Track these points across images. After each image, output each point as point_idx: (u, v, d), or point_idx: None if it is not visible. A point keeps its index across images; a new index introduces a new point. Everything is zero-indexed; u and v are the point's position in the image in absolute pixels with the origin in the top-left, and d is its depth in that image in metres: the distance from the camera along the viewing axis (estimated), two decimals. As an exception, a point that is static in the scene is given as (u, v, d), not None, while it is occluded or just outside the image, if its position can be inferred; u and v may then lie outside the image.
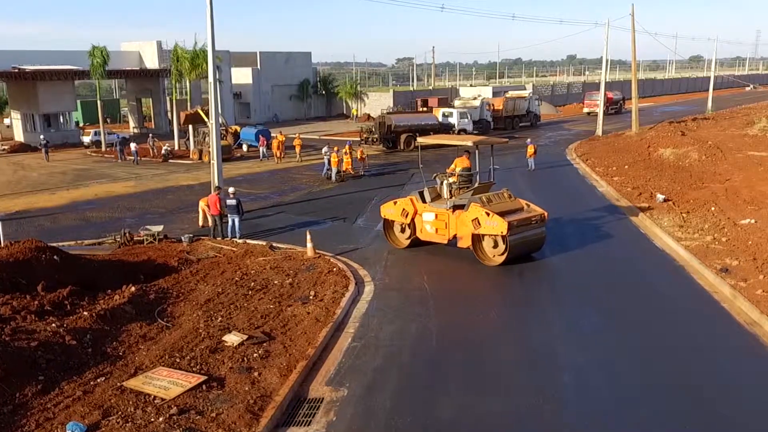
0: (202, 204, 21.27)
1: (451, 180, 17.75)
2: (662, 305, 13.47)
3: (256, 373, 9.97)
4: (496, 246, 16.10)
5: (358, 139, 41.25)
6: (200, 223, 21.33)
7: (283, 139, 36.77)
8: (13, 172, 34.94)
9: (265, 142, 38.29)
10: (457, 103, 52.22)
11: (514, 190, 18.10)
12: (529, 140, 33.37)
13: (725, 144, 35.94)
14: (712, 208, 21.13)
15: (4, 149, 42.92)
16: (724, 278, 14.37)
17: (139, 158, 38.01)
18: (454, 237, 16.92)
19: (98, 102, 44.91)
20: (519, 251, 16.15)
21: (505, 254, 15.87)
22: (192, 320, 12.27)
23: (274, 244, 18.68)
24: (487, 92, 66.49)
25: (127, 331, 11.54)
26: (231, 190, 20.40)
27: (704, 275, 15.04)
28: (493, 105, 50.66)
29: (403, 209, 17.71)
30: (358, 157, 32.06)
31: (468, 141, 18.37)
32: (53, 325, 10.97)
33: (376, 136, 40.71)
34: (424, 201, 17.67)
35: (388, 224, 18.47)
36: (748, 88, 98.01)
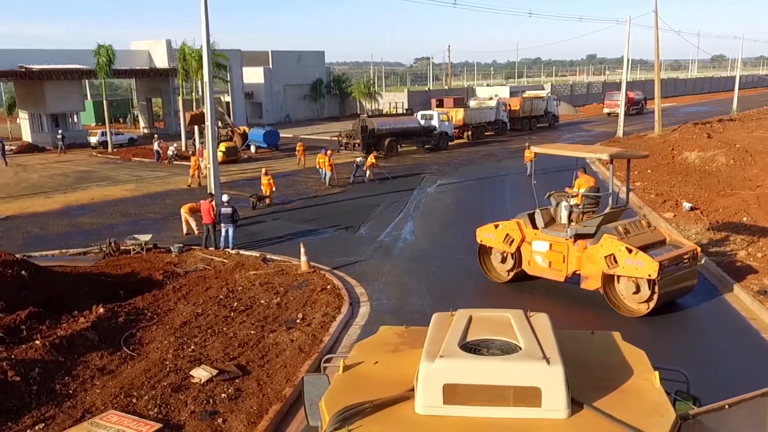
0: (183, 212, 20.14)
1: (572, 202, 13.95)
2: (694, 335, 11.94)
3: (220, 420, 8.62)
4: (637, 291, 12.58)
5: (340, 145, 37.70)
6: (184, 231, 20.17)
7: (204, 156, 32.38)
8: (14, 173, 34.02)
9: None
10: (472, 103, 50.62)
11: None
12: (527, 144, 28.48)
13: (754, 147, 33.89)
14: (744, 219, 19.46)
15: (12, 149, 42.14)
16: (763, 302, 12.80)
17: (162, 158, 36.95)
18: (575, 274, 13.49)
19: (104, 102, 44.07)
20: (668, 298, 12.75)
21: (652, 302, 12.44)
22: (161, 349, 10.96)
23: (268, 256, 17.41)
24: (504, 92, 64.81)
25: (85, 363, 10.23)
26: (225, 198, 19.14)
27: (740, 298, 13.44)
28: (509, 105, 48.95)
29: (507, 235, 14.29)
30: (369, 162, 30.31)
31: (603, 153, 14.48)
32: (-2, 357, 9.71)
33: (357, 140, 36.53)
34: (535, 226, 14.06)
35: (485, 251, 15.09)
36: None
